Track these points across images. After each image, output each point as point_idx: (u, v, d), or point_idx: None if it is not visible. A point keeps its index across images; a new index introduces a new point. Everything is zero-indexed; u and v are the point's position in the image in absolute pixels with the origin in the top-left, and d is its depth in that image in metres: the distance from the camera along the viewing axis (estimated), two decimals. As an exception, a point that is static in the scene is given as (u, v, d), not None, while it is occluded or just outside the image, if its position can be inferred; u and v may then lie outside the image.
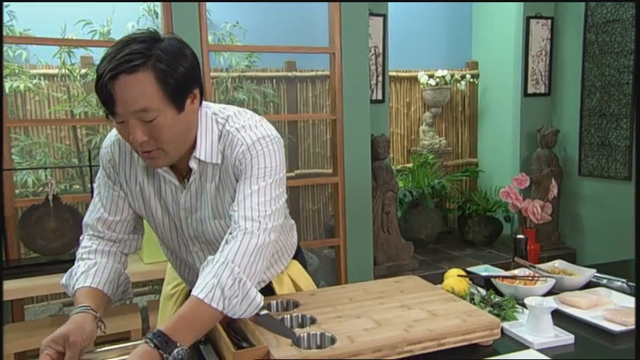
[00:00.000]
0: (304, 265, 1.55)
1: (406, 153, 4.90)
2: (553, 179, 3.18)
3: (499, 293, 1.49)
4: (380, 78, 4.01)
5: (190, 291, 1.09)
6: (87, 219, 1.29)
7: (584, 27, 4.03)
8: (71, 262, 1.27)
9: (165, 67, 1.05)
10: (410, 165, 4.68)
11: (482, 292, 1.48)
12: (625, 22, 3.73)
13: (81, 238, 1.30)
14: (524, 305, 1.31)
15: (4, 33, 3.31)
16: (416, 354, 1.07)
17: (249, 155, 1.16)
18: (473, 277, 1.60)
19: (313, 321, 1.17)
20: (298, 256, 1.53)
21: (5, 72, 3.31)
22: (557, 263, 1.72)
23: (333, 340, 1.07)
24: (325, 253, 3.86)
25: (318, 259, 3.73)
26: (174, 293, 1.49)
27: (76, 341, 1.04)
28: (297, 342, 1.07)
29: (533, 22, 4.29)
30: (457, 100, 5.03)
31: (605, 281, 1.63)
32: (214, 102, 2.44)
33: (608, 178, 3.91)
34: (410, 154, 4.85)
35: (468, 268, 1.67)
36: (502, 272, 1.64)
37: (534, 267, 1.69)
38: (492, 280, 1.55)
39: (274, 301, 1.31)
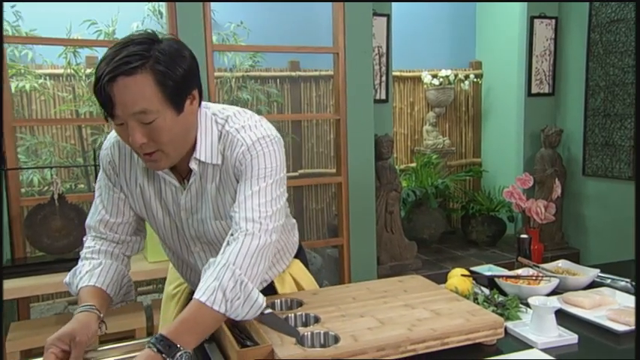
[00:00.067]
0: (306, 263, 1.55)
1: (410, 153, 4.89)
2: (557, 179, 3.19)
3: (503, 293, 1.49)
4: (384, 78, 4.01)
5: (192, 291, 1.09)
6: (89, 221, 1.30)
7: (589, 27, 4.02)
8: (76, 260, 1.27)
9: (164, 69, 1.04)
10: (413, 165, 4.67)
11: (486, 291, 1.48)
12: (629, 21, 3.72)
13: (84, 239, 1.31)
14: (527, 305, 1.31)
15: (11, 33, 3.33)
16: (419, 353, 1.08)
17: (250, 156, 1.15)
18: (476, 277, 1.60)
19: (317, 320, 1.18)
20: (300, 255, 1.53)
21: (11, 72, 3.33)
22: (561, 263, 1.72)
23: (336, 339, 1.07)
24: (329, 252, 3.86)
25: (321, 258, 3.73)
26: (176, 293, 1.49)
27: (82, 340, 1.05)
28: (301, 341, 1.07)
29: (537, 21, 4.28)
30: (461, 100, 5.02)
31: (608, 281, 1.62)
32: (218, 102, 2.45)
33: (612, 178, 3.90)
34: (413, 153, 4.84)
35: (472, 268, 1.67)
36: (506, 272, 1.64)
37: (538, 267, 1.69)
38: (496, 279, 1.55)
39: (278, 300, 1.32)
